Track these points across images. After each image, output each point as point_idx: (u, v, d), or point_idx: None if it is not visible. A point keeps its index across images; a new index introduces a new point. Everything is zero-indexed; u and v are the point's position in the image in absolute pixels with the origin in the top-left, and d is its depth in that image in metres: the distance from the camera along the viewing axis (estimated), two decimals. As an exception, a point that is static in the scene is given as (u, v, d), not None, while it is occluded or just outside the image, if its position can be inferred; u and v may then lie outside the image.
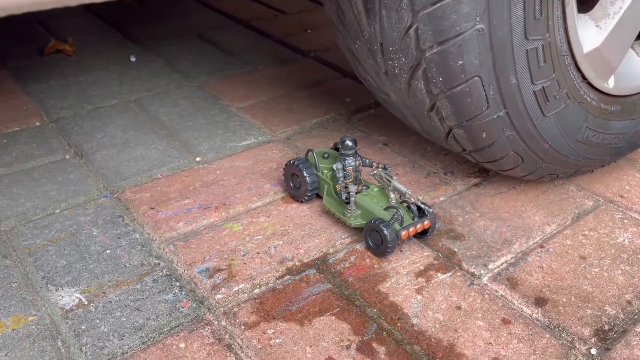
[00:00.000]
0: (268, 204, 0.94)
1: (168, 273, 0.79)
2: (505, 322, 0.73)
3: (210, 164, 1.05)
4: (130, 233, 0.86)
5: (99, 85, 1.33)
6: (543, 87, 0.78)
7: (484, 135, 0.81)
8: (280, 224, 0.90)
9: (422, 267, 0.82)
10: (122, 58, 1.48)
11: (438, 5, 0.69)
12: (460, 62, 0.72)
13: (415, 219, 0.84)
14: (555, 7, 0.74)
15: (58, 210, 0.91)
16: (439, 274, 0.81)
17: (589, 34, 0.84)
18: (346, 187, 0.88)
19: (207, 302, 0.75)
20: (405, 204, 0.85)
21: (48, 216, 0.89)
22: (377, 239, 0.82)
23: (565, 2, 0.76)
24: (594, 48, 0.84)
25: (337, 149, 0.95)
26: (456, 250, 0.85)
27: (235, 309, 0.74)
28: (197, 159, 1.06)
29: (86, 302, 0.74)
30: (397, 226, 0.82)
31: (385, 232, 0.80)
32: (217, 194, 0.96)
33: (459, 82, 0.75)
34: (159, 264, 0.81)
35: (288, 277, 0.80)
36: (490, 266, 0.83)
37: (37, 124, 1.16)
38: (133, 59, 1.46)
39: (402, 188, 0.83)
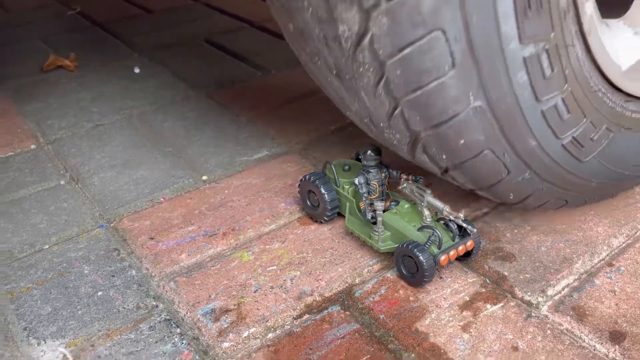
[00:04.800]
0: (283, 226, 0.82)
1: (167, 317, 0.68)
2: (576, 365, 0.60)
3: (218, 183, 0.93)
4: (126, 269, 0.75)
5: (101, 101, 1.23)
6: (573, 137, 0.64)
7: (511, 197, 0.69)
8: (297, 250, 0.77)
9: (467, 298, 0.68)
10: (127, 70, 1.38)
11: (419, 92, 0.56)
12: (463, 142, 0.60)
13: (456, 240, 0.70)
14: (572, 52, 0.59)
15: (47, 246, 0.80)
16: (489, 306, 0.67)
17: (627, 44, 0.68)
18: (371, 204, 0.75)
19: (212, 353, 0.63)
20: (443, 222, 0.72)
21: (35, 253, 0.79)
22: (411, 266, 0.69)
23: (586, 31, 0.60)
24: (636, 61, 0.67)
25: (359, 159, 0.83)
26: (506, 273, 0.72)
27: (246, 360, 0.62)
28: (204, 177, 0.95)
29: (71, 359, 0.63)
30: (434, 250, 0.68)
31: (421, 257, 0.67)
32: (225, 218, 0.84)
33: (467, 158, 0.62)
34: (157, 306, 0.69)
35: (307, 316, 0.67)
36: (550, 292, 0.69)
37: (32, 147, 1.07)
38: (137, 70, 1.37)
39: (439, 204, 0.70)
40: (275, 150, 1.02)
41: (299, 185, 0.82)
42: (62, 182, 0.95)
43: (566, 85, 0.59)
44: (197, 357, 0.62)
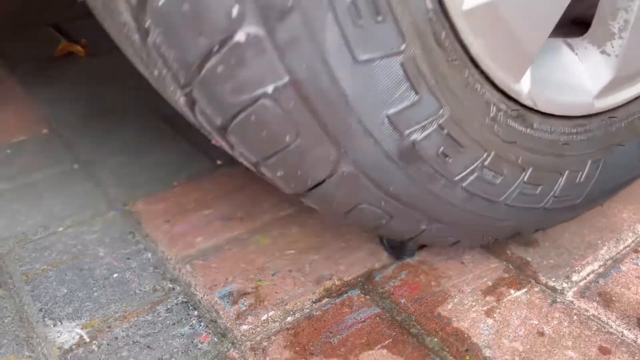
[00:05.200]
0: (300, 211, 0.81)
1: (184, 299, 0.67)
2: (604, 351, 0.58)
3: (233, 168, 0.92)
4: (141, 252, 0.74)
5: (112, 87, 1.22)
6: (555, 197, 0.61)
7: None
8: (315, 234, 0.76)
9: (490, 283, 0.67)
10: (138, 57, 1.36)
11: None
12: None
13: None
14: (522, 141, 0.56)
15: (61, 229, 0.79)
16: (512, 291, 0.66)
17: (595, 64, 0.59)
18: None
19: (230, 335, 0.62)
20: None
21: (50, 236, 0.78)
22: (393, 239, 0.70)
23: (533, 105, 0.55)
24: (609, 81, 0.59)
25: None
26: (529, 259, 0.70)
27: (265, 343, 0.61)
28: (219, 162, 0.93)
29: (88, 340, 0.62)
30: None
31: None
32: (241, 202, 0.83)
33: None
34: (174, 288, 0.68)
35: (327, 300, 0.66)
36: (575, 278, 0.67)
37: (45, 132, 1.06)
38: (149, 57, 1.35)
39: None
40: (290, 136, 1.00)
41: None
42: (75, 167, 0.94)
43: (523, 172, 0.56)
44: (215, 339, 0.61)
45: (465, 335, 0.60)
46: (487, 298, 0.65)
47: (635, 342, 0.59)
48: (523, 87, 0.54)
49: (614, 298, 0.64)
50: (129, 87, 1.21)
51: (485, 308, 0.64)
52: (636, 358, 0.57)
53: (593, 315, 0.62)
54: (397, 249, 0.70)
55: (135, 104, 1.14)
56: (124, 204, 0.84)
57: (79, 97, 1.18)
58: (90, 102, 1.15)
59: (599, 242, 0.72)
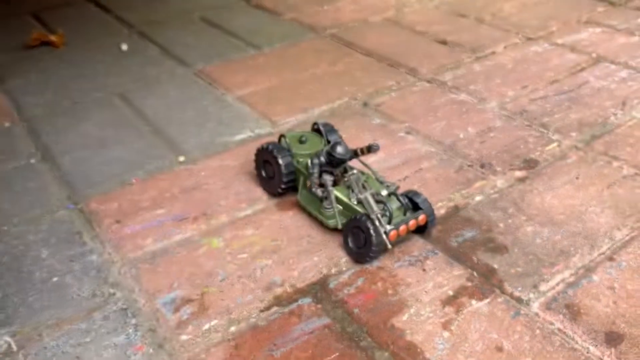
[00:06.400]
0: (259, 211, 0.77)
1: (124, 306, 0.63)
2: (566, 370, 0.53)
3: (194, 165, 0.88)
4: (86, 254, 0.70)
5: (82, 79, 1.17)
6: None
7: None
8: (271, 237, 0.72)
9: (451, 292, 0.62)
10: (114, 47, 1.32)
11: None
12: None
13: (408, 214, 0.67)
14: None
15: (5, 228, 0.75)
16: (474, 301, 0.61)
17: None
18: (320, 177, 0.71)
19: (168, 346, 0.58)
20: (396, 197, 0.69)
21: (-6, 235, 0.74)
22: (358, 240, 0.66)
23: None
24: None
25: (317, 130, 0.79)
26: (496, 266, 0.66)
27: (203, 356, 0.57)
28: (181, 158, 0.89)
29: (16, 349, 0.58)
30: (384, 223, 0.65)
31: (370, 230, 0.64)
32: (197, 202, 0.79)
33: None
34: (114, 293, 0.64)
35: (275, 309, 0.62)
36: (542, 288, 0.63)
37: (7, 124, 1.02)
38: (124, 47, 1.31)
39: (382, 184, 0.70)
40: (258, 132, 0.96)
41: (255, 155, 0.80)
42: (32, 161, 0.90)
43: None
44: (150, 350, 0.57)
45: (418, 350, 0.56)
46: (446, 309, 0.60)
47: (601, 359, 0.54)
48: None
49: (582, 311, 0.59)
50: (98, 80, 1.17)
51: (443, 320, 0.59)
52: (601, 378, 0.52)
53: (558, 329, 0.58)
54: (362, 249, 0.66)
55: (103, 97, 1.10)
56: (76, 202, 0.80)
57: (46, 90, 1.14)
58: (57, 95, 1.11)
59: (572, 248, 0.67)
